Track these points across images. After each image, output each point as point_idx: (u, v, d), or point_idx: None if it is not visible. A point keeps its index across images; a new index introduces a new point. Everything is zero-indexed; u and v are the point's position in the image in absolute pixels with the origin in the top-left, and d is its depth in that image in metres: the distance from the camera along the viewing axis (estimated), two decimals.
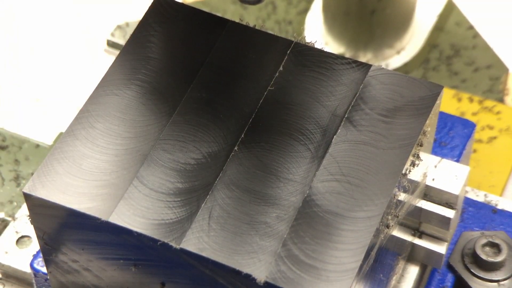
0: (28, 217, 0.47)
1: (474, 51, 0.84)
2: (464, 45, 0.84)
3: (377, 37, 0.83)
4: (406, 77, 0.48)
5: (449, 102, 0.78)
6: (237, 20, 0.51)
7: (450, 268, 0.58)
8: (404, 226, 0.50)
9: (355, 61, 0.49)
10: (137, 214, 0.44)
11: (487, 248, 0.57)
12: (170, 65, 0.50)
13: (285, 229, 0.43)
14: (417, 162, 0.47)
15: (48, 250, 0.48)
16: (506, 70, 0.81)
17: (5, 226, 0.66)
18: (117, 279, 0.47)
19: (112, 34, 0.83)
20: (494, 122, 0.77)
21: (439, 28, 0.85)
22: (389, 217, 0.45)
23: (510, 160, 0.75)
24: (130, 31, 0.81)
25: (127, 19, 0.84)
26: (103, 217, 0.44)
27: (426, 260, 0.54)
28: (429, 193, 0.52)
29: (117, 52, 0.81)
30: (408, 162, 0.46)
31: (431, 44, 0.84)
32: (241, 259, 0.43)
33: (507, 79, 0.82)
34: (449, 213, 0.52)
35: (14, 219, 0.65)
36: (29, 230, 0.63)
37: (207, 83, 0.49)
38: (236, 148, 0.46)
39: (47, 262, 0.50)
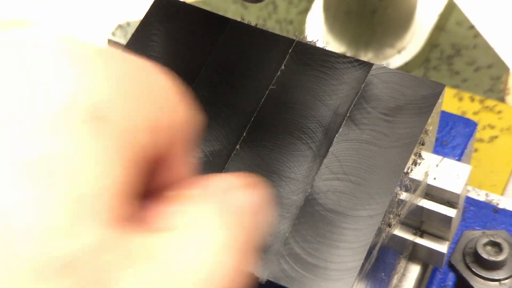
0: None
1: (475, 50, 0.84)
2: (465, 44, 0.84)
3: (378, 36, 0.83)
4: (408, 76, 0.48)
5: (450, 101, 0.78)
6: (238, 20, 0.51)
7: (452, 267, 0.58)
8: (405, 225, 0.50)
9: (357, 60, 0.49)
10: None
11: (489, 247, 0.57)
12: (171, 64, 0.50)
13: (287, 227, 0.43)
14: (419, 161, 0.47)
15: None
16: (507, 69, 0.81)
17: None
18: None
19: (113, 34, 0.83)
20: (495, 122, 0.77)
21: (440, 27, 0.85)
22: (391, 216, 0.45)
23: (511, 159, 0.75)
24: (131, 30, 0.81)
25: (128, 19, 0.84)
26: None
27: (427, 259, 0.54)
28: (431, 192, 0.52)
29: None
30: (410, 161, 0.46)
31: (432, 43, 0.84)
32: None
33: (508, 79, 0.82)
34: (450, 212, 0.52)
35: None
36: None
37: (209, 82, 0.49)
38: (238, 147, 0.46)
39: None
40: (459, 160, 0.58)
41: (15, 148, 0.26)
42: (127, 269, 0.27)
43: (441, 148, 0.59)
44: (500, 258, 0.56)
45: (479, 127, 0.76)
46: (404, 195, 0.46)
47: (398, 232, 0.49)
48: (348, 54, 0.83)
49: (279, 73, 0.49)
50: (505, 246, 0.56)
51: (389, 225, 0.45)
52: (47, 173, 0.27)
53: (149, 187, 0.31)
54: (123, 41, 0.81)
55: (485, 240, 0.57)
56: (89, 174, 0.27)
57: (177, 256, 0.28)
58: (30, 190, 0.26)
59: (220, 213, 0.30)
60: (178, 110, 0.31)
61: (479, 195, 0.64)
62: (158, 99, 0.31)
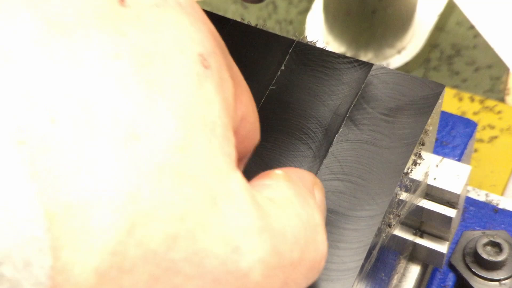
0: None
1: (475, 50, 0.84)
2: (465, 44, 0.84)
3: (378, 36, 0.83)
4: (408, 76, 0.48)
5: (450, 101, 0.78)
6: (238, 20, 0.51)
7: (452, 267, 0.58)
8: (405, 225, 0.50)
9: (357, 60, 0.49)
10: None
11: (489, 248, 0.57)
12: None
13: None
14: (419, 161, 0.47)
15: None
16: (506, 69, 0.82)
17: None
18: None
19: None
20: (495, 122, 0.77)
21: (440, 28, 0.85)
22: (391, 216, 0.45)
23: (511, 159, 0.75)
24: None
25: None
26: None
27: (427, 260, 0.54)
28: (431, 192, 0.52)
29: None
30: (410, 161, 0.45)
31: (432, 43, 0.84)
32: None
33: (508, 79, 0.82)
34: (450, 212, 0.52)
35: None
36: None
37: None
38: None
39: None
40: (459, 160, 0.58)
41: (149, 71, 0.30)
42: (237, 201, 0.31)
43: (441, 148, 0.59)
44: (500, 258, 0.56)
45: (479, 127, 0.76)
46: (404, 195, 0.46)
47: (398, 232, 0.49)
48: (348, 54, 0.83)
49: (279, 73, 0.49)
50: (505, 246, 0.56)
51: (389, 226, 0.45)
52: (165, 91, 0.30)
53: None
54: None
55: (485, 240, 0.57)
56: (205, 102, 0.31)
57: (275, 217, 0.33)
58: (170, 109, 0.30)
59: (303, 197, 0.36)
60: (253, 104, 0.37)
61: (479, 195, 0.64)
62: (240, 80, 0.36)
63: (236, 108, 0.35)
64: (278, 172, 0.36)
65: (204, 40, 0.33)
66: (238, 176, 0.32)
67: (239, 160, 0.37)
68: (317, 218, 0.36)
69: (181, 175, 0.29)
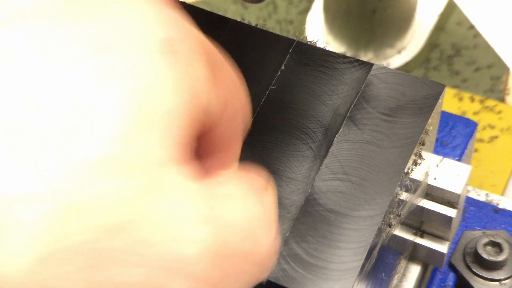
0: None
1: (475, 50, 0.84)
2: (465, 44, 0.84)
3: (378, 36, 0.83)
4: (408, 76, 0.48)
5: (450, 101, 0.78)
6: (238, 20, 0.51)
7: (452, 267, 0.58)
8: (406, 225, 0.50)
9: (357, 60, 0.49)
10: None
11: (489, 248, 0.57)
12: None
13: (287, 228, 0.43)
14: (419, 161, 0.47)
15: None
16: (507, 69, 0.82)
17: None
18: None
19: None
20: (495, 122, 0.77)
21: (440, 27, 0.85)
22: (391, 216, 0.45)
23: (511, 159, 0.75)
24: None
25: None
26: None
27: (427, 259, 0.54)
28: (431, 192, 0.52)
29: None
30: (410, 161, 0.45)
31: (432, 43, 0.84)
32: None
33: (508, 79, 0.82)
34: (450, 212, 0.52)
35: None
36: None
37: None
38: None
39: None
40: (459, 160, 0.58)
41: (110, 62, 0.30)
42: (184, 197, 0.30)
43: (441, 148, 0.59)
44: (500, 258, 0.56)
45: (479, 127, 0.76)
46: (404, 195, 0.46)
47: (398, 232, 0.49)
48: (348, 54, 0.83)
49: (279, 73, 0.49)
50: (505, 246, 0.56)
51: (390, 225, 0.45)
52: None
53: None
54: None
55: (485, 240, 0.57)
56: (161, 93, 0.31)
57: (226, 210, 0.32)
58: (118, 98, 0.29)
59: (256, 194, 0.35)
60: (238, 88, 0.36)
61: (479, 195, 0.64)
62: (221, 66, 0.35)
63: (216, 95, 0.34)
64: (234, 165, 0.36)
65: (170, 26, 0.32)
66: (184, 167, 0.31)
67: (228, 145, 0.36)
68: (271, 215, 0.35)
69: (119, 166, 0.29)
